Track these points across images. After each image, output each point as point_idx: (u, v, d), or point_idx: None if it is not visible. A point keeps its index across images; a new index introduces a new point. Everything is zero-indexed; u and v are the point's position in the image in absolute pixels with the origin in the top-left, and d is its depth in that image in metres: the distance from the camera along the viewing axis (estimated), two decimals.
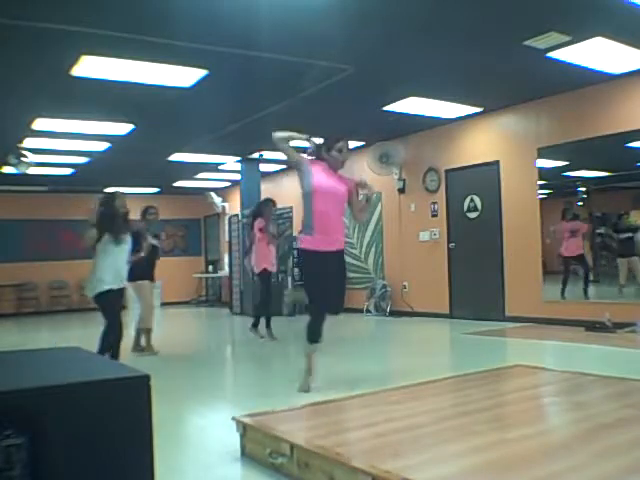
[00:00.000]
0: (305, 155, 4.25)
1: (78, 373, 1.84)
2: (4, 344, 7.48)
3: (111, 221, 4.97)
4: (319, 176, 4.11)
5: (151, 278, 6.47)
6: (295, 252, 10.32)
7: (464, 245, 8.70)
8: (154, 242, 6.33)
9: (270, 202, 7.33)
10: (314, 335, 4.16)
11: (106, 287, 4.86)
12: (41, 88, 6.21)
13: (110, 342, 4.86)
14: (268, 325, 7.14)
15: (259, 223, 7.13)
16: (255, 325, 7.14)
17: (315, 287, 4.18)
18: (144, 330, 6.39)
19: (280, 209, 10.89)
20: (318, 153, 4.24)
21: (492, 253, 8.21)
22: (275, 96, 6.98)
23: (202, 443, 3.23)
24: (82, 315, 11.79)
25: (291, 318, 9.83)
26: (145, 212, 6.54)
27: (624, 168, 7.27)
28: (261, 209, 7.30)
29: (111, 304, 4.93)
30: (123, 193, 5.21)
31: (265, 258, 7.10)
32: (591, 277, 7.81)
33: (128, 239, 5.10)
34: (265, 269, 7.07)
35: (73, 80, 5.82)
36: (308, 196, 4.11)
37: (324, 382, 4.31)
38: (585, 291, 7.62)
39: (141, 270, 6.02)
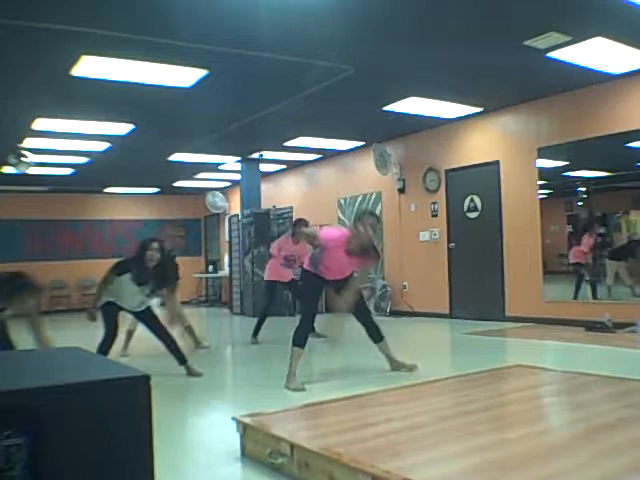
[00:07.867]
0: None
1: (78, 373, 1.83)
2: None
3: (132, 267, 4.93)
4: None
5: None
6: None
7: (464, 245, 8.70)
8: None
9: (302, 222, 6.97)
10: (304, 340, 4.62)
11: (105, 299, 5.01)
12: (41, 88, 6.20)
13: (104, 349, 4.89)
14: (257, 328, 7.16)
15: (279, 244, 7.21)
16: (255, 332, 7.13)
17: (312, 301, 4.85)
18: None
19: (280, 209, 10.92)
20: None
21: (492, 253, 8.21)
22: (275, 96, 6.98)
23: (202, 443, 3.23)
24: (82, 315, 11.74)
25: (291, 318, 9.82)
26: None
27: (624, 168, 7.26)
28: (294, 229, 7.03)
29: (108, 314, 5.03)
30: (159, 244, 4.97)
31: (275, 271, 7.16)
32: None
33: (147, 289, 4.96)
34: (272, 280, 7.18)
35: (73, 80, 5.81)
36: (321, 250, 4.59)
37: (324, 382, 4.31)
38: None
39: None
